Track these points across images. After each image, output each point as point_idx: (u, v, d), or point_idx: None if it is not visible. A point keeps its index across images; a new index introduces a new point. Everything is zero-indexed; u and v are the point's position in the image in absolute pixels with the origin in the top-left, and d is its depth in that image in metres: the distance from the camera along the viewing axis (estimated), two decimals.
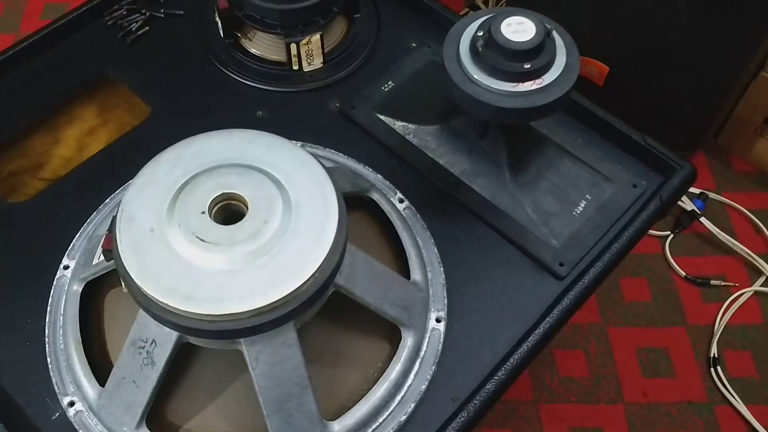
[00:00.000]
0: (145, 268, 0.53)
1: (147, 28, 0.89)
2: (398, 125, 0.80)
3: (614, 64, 1.21)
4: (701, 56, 1.15)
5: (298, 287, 0.53)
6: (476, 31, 0.67)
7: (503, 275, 0.71)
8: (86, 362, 0.62)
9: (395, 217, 0.71)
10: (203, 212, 0.55)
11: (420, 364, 0.64)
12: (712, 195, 1.28)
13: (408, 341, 0.64)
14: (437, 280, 0.69)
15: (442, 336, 0.66)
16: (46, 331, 0.66)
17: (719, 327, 1.14)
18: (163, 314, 0.52)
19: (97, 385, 0.61)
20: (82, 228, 0.71)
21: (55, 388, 0.63)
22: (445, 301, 0.68)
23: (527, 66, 0.64)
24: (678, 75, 1.18)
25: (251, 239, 0.54)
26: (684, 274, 1.20)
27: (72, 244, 0.70)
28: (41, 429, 0.62)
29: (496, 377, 0.64)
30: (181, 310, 0.51)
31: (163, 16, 0.90)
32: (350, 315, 0.65)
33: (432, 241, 0.72)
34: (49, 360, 0.64)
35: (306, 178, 0.58)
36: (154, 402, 0.59)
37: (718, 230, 1.22)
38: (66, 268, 0.69)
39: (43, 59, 0.87)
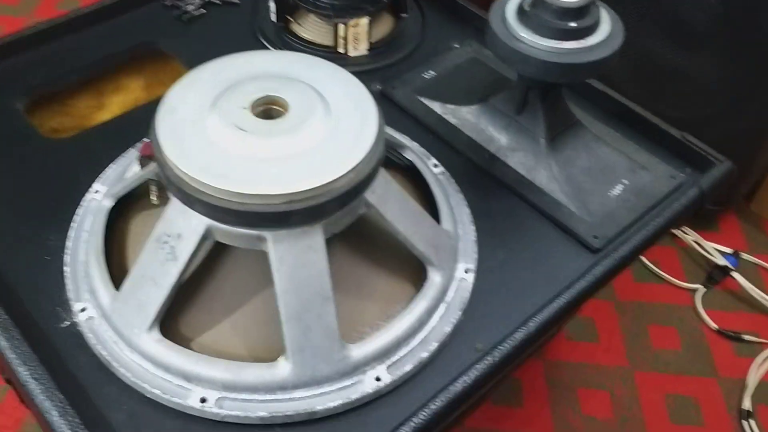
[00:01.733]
0: (181, 149, 0.53)
1: (203, 11, 0.93)
2: (437, 105, 0.81)
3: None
4: (735, 111, 1.16)
5: (333, 180, 0.52)
6: None
7: (535, 244, 0.70)
8: (105, 270, 0.60)
9: (429, 177, 0.71)
10: (244, 108, 0.55)
11: (446, 308, 0.62)
12: (744, 255, 1.25)
13: (435, 280, 0.62)
14: (468, 237, 0.68)
15: (470, 286, 0.64)
16: (68, 244, 0.64)
17: (752, 381, 1.09)
18: (193, 193, 0.51)
19: (113, 290, 0.59)
20: (117, 159, 0.72)
21: (69, 296, 0.61)
22: (475, 257, 0.66)
23: (573, 24, 0.66)
24: (712, 127, 1.19)
25: (289, 134, 0.54)
26: (715, 327, 1.16)
27: (105, 171, 0.70)
28: (51, 336, 0.59)
29: (525, 327, 0.61)
30: (213, 187, 0.51)
31: (220, 2, 0.94)
32: (377, 251, 0.63)
33: (465, 203, 0.71)
34: (66, 270, 0.63)
35: (347, 93, 0.59)
36: (169, 308, 0.57)
37: (751, 286, 1.19)
38: (96, 191, 0.68)
39: (99, 29, 0.90)
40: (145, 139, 0.67)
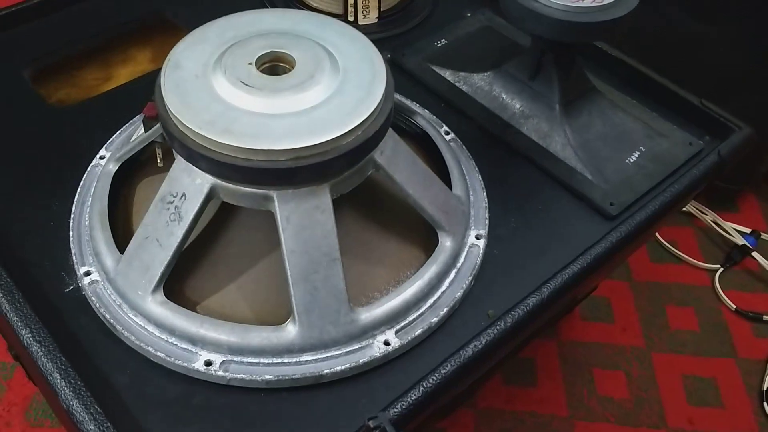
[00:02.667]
0: (186, 104, 0.52)
1: None
2: (448, 73, 0.79)
3: None
4: (754, 85, 1.14)
5: (340, 136, 0.50)
6: None
7: (549, 211, 0.68)
8: (109, 233, 0.59)
9: (440, 143, 0.69)
10: (250, 63, 0.54)
11: (456, 273, 0.60)
12: (764, 235, 1.22)
13: (446, 245, 0.60)
14: (479, 203, 0.66)
15: (481, 252, 0.62)
16: (73, 209, 0.63)
17: None
18: (197, 149, 0.50)
19: (117, 253, 0.58)
20: (123, 127, 0.70)
21: (74, 259, 0.60)
22: (487, 223, 0.65)
23: None
24: (730, 102, 1.16)
25: (296, 90, 0.53)
26: (734, 307, 1.13)
27: (111, 139, 0.69)
28: (54, 299, 0.58)
29: (538, 293, 0.59)
30: (217, 143, 0.49)
31: None
32: (386, 215, 0.62)
33: (476, 169, 0.69)
34: (71, 234, 0.62)
35: (356, 50, 0.57)
36: (174, 272, 0.55)
37: None
38: (102, 158, 0.67)
39: None
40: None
